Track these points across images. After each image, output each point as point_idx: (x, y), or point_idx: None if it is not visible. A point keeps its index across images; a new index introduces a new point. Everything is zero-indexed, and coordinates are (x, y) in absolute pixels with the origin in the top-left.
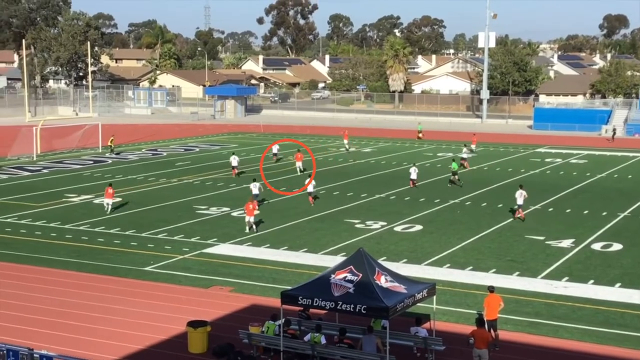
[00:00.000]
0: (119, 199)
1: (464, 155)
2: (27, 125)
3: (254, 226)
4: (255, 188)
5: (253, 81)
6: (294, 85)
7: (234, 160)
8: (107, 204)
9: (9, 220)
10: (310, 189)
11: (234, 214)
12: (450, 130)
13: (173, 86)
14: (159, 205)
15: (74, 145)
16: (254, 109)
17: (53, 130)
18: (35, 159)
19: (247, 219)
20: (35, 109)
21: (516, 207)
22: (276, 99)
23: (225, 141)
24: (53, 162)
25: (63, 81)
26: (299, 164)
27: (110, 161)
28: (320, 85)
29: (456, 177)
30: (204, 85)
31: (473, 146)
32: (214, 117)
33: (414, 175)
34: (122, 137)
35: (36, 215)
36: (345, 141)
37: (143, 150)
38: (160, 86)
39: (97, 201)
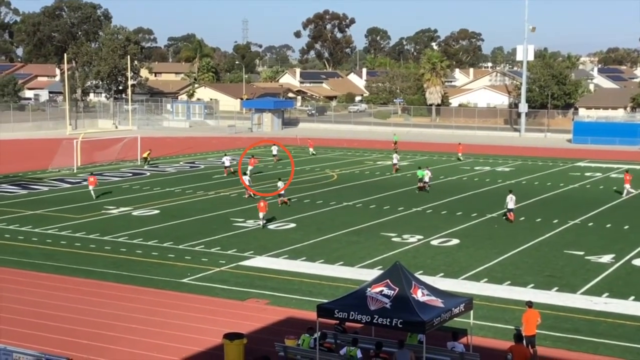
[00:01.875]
0: (143, 208)
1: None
2: (68, 138)
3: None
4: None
5: (290, 94)
6: (331, 98)
7: (227, 161)
8: (92, 191)
9: (49, 231)
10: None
11: (271, 226)
12: (488, 144)
13: (211, 99)
14: (196, 217)
15: (113, 158)
16: (291, 122)
17: (93, 143)
18: (75, 171)
19: (260, 215)
20: (76, 122)
21: (506, 210)
22: (313, 112)
23: (262, 154)
24: (92, 174)
25: (103, 95)
26: (250, 167)
27: (148, 174)
28: (357, 98)
29: (422, 184)
30: (242, 99)
31: (460, 155)
32: (251, 130)
33: (426, 179)
34: (161, 150)
35: (76, 226)
36: (311, 149)
37: (181, 162)
38: (198, 99)
39: (135, 213)
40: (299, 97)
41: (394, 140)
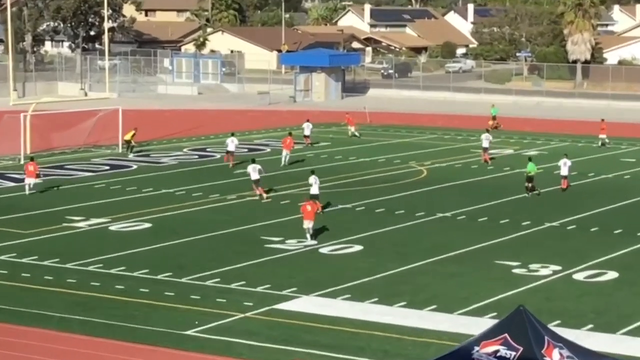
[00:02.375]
0: (140, 222)
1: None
2: (10, 110)
3: (310, 233)
4: (254, 171)
5: (355, 44)
6: (418, 50)
7: (231, 144)
8: (29, 184)
9: None
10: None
11: (324, 249)
12: None
13: (232, 52)
14: (209, 234)
15: (80, 141)
16: (355, 88)
17: (50, 118)
18: (22, 162)
19: (305, 224)
20: (24, 86)
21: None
22: (390, 71)
23: (309, 137)
24: (49, 167)
25: (66, 44)
26: (284, 153)
27: (134, 166)
28: (460, 51)
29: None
30: (279, 51)
31: (604, 138)
32: (294, 99)
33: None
34: (154, 130)
35: (23, 248)
36: (351, 128)
37: (185, 150)
38: (213, 51)
39: (114, 227)
40: (369, 49)
41: (491, 115)
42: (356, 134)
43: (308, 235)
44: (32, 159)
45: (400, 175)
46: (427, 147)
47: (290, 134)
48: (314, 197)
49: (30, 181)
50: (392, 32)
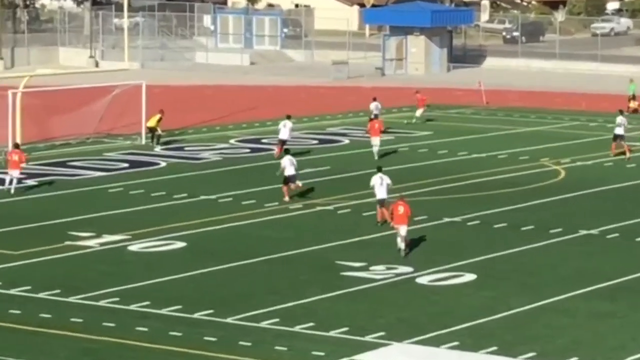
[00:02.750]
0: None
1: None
2: None
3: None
4: (290, 165)
5: None
6: (553, 5)
7: (284, 130)
8: (12, 178)
9: None
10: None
11: (423, 279)
12: None
13: (297, 6)
14: (263, 257)
15: (90, 129)
16: (467, 57)
17: (49, 98)
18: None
19: (399, 234)
20: (13, 52)
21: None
22: (515, 34)
23: (402, 125)
24: (48, 163)
25: None
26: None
27: (163, 164)
28: (612, 5)
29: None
30: (362, 5)
31: (419, 111)
32: (382, 72)
33: None
34: (189, 114)
35: (11, 275)
36: (419, 111)
37: (232, 141)
38: (271, 6)
39: (135, 247)
40: (486, 3)
41: (630, 95)
42: (414, 120)
43: (402, 246)
44: (17, 145)
45: (529, 177)
46: (565, 138)
47: (376, 116)
48: (380, 203)
49: (13, 174)
50: None
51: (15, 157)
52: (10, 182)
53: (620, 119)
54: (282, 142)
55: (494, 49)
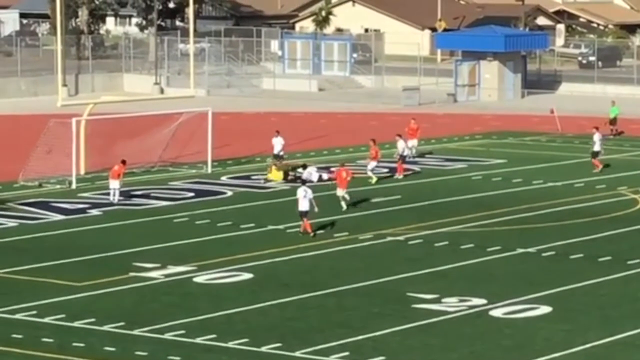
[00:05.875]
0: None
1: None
2: (59, 114)
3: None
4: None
5: (542, 20)
6: (631, 29)
7: (278, 145)
8: (114, 189)
9: (17, 315)
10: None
11: (497, 311)
12: None
13: (367, 31)
14: (333, 289)
15: (154, 157)
16: (541, 83)
17: (113, 125)
18: (74, 186)
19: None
20: (77, 79)
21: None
22: (592, 58)
23: (477, 152)
24: (113, 193)
25: (135, 21)
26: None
27: (229, 193)
28: None
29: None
30: (434, 30)
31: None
32: (455, 98)
33: None
34: (256, 141)
35: (75, 306)
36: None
37: (301, 170)
38: (340, 31)
39: (201, 279)
40: (562, 27)
41: (609, 116)
42: (402, 152)
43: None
44: (123, 162)
45: (606, 206)
46: None
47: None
48: (303, 215)
49: (114, 185)
50: (595, 2)
51: (116, 168)
52: (114, 192)
53: (598, 139)
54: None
55: (569, 74)
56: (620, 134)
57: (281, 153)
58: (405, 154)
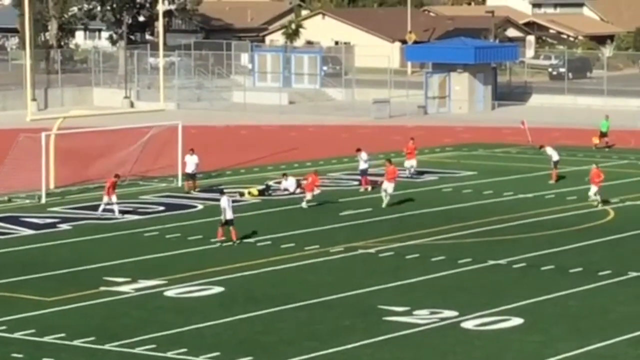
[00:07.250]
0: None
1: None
2: (28, 128)
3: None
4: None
5: (512, 32)
6: (601, 40)
7: (191, 164)
8: (105, 204)
9: None
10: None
11: (469, 323)
12: None
13: (337, 43)
14: (303, 302)
15: (126, 171)
16: (512, 95)
17: (83, 140)
18: (44, 200)
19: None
20: (47, 93)
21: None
22: (562, 70)
23: (448, 164)
24: (81, 207)
25: (105, 35)
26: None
27: (199, 206)
28: None
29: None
30: (404, 42)
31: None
32: (425, 110)
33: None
34: (227, 155)
35: (45, 322)
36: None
37: (270, 182)
38: (310, 43)
39: (172, 292)
40: (531, 39)
41: (600, 130)
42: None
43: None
44: (117, 176)
45: (577, 218)
46: (614, 177)
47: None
48: (229, 223)
49: (107, 201)
50: (565, 13)
51: (109, 183)
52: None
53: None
54: (189, 176)
55: (539, 85)
56: (611, 147)
57: (194, 172)
58: (365, 167)
